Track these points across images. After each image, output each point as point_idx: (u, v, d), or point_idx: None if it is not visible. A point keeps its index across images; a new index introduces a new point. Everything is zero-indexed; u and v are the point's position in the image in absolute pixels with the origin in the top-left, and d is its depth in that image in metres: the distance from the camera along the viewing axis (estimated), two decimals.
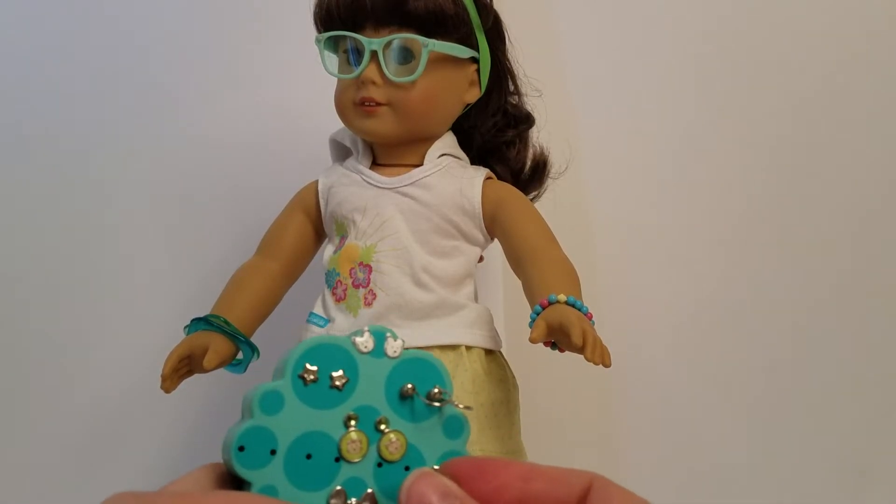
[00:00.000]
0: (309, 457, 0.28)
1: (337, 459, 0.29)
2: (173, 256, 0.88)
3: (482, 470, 0.28)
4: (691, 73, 0.92)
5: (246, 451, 0.28)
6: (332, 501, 0.29)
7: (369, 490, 0.29)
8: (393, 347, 0.30)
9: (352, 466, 0.29)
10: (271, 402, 0.28)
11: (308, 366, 0.29)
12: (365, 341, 0.30)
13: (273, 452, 0.28)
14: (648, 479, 0.88)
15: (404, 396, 0.30)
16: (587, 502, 0.26)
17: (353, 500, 0.29)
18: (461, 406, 0.31)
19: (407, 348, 0.31)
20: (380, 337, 0.30)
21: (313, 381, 0.29)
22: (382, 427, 0.30)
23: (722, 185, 0.91)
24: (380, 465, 0.29)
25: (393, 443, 0.30)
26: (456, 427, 0.32)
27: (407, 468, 0.30)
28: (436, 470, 0.29)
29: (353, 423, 0.29)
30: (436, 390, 0.30)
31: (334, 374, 0.29)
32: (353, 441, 0.29)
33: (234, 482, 0.28)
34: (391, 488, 0.29)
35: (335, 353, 0.29)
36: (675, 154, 0.92)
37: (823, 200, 0.91)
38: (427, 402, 0.30)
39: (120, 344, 0.87)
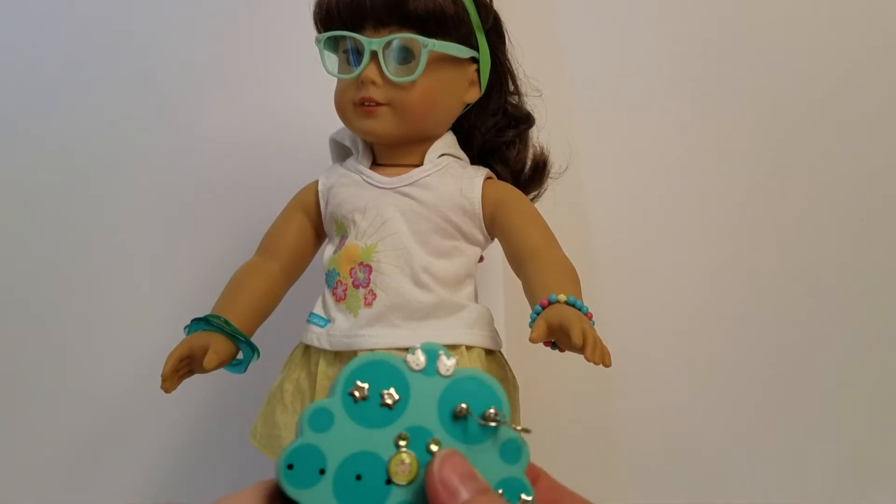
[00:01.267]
0: (359, 478, 0.28)
1: (388, 482, 0.28)
2: (173, 256, 0.88)
3: None
4: (692, 73, 0.92)
5: (295, 469, 0.27)
6: None
7: None
8: (446, 366, 0.29)
9: (401, 490, 0.28)
10: (321, 419, 0.28)
11: (359, 383, 0.28)
12: (417, 359, 0.29)
13: (322, 472, 0.27)
14: (649, 480, 0.88)
15: (458, 417, 0.29)
16: None
17: None
18: (519, 428, 0.30)
19: (460, 367, 0.30)
20: (432, 355, 0.29)
21: (363, 398, 0.28)
22: (434, 448, 0.29)
23: (722, 185, 0.91)
24: None
25: None
26: (514, 451, 0.30)
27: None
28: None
29: (403, 443, 0.28)
30: (492, 411, 0.29)
31: (385, 391, 0.28)
32: (404, 463, 0.28)
33: (284, 501, 0.28)
34: None
35: (387, 370, 0.28)
36: (676, 154, 0.92)
37: (824, 201, 0.91)
38: (482, 422, 0.29)
39: (120, 344, 0.87)
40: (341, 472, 0.27)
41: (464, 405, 0.29)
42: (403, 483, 0.28)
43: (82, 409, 0.86)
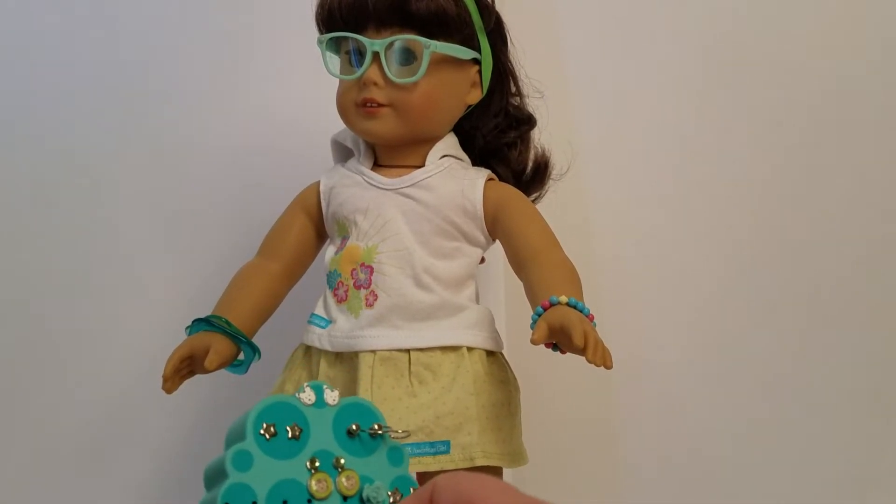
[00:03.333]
0: (285, 502, 0.33)
1: (309, 501, 0.33)
2: (175, 257, 0.88)
3: None
4: (693, 74, 0.92)
5: None
6: None
7: None
8: (332, 397, 0.35)
9: None
10: (242, 460, 0.32)
11: (265, 424, 0.33)
12: (308, 395, 0.35)
13: (255, 503, 0.32)
14: (649, 481, 0.88)
15: (351, 435, 0.35)
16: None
17: None
18: (400, 432, 0.36)
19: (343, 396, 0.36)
20: (318, 390, 0.35)
21: (273, 435, 0.33)
22: (339, 465, 0.34)
23: (723, 186, 0.91)
24: (345, 499, 0.34)
25: (349, 479, 0.34)
26: (398, 455, 0.37)
27: (363, 501, 0.34)
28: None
29: (316, 464, 0.34)
30: (376, 426, 0.35)
31: (289, 426, 0.34)
32: (320, 481, 0.33)
33: None
34: None
35: (286, 408, 0.34)
36: (677, 155, 0.92)
37: (826, 201, 0.90)
38: (371, 435, 0.35)
39: (121, 344, 0.87)
40: (270, 500, 0.32)
41: (355, 425, 0.35)
42: (323, 498, 0.33)
43: (82, 409, 0.86)
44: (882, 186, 0.91)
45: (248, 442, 0.33)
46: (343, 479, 0.34)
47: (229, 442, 0.34)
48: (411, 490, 0.36)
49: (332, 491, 0.33)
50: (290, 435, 0.34)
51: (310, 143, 0.79)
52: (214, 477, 0.34)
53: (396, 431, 0.36)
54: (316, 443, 0.34)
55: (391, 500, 0.35)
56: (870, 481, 0.88)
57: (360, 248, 0.64)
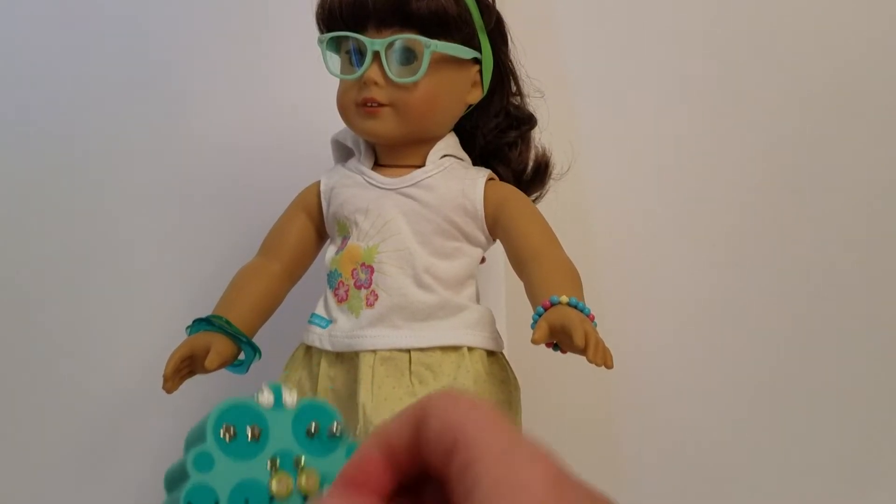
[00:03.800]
0: (247, 502, 0.33)
1: (271, 500, 0.34)
2: (175, 257, 0.88)
3: (355, 484, 0.28)
4: (693, 74, 0.92)
5: None
6: None
7: None
8: (290, 398, 0.36)
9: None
10: (203, 461, 0.33)
11: (225, 425, 0.34)
12: (266, 397, 0.35)
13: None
14: (650, 480, 0.88)
15: (310, 435, 0.35)
16: (421, 428, 0.25)
17: None
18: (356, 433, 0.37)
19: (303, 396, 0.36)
20: (277, 391, 0.35)
21: (233, 436, 0.34)
22: (300, 464, 0.35)
23: (724, 185, 0.91)
24: (305, 498, 0.34)
25: (308, 478, 0.35)
26: None
27: None
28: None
29: (277, 463, 0.34)
30: (335, 424, 0.36)
31: (248, 427, 0.34)
32: (281, 481, 0.34)
33: None
34: None
35: (245, 410, 0.34)
36: (677, 155, 0.92)
37: (826, 200, 0.90)
38: (330, 435, 0.36)
39: (122, 344, 0.87)
40: (232, 501, 0.33)
41: (314, 424, 0.35)
42: (284, 496, 0.34)
43: (82, 409, 0.86)
44: (883, 186, 0.91)
45: (209, 444, 0.34)
46: (303, 479, 0.35)
47: (189, 445, 0.35)
48: None
49: (293, 490, 0.34)
50: (250, 436, 0.34)
51: (310, 143, 0.79)
52: (175, 479, 0.35)
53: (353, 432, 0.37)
54: (276, 443, 0.35)
55: None
56: (870, 481, 0.88)
57: (361, 247, 0.64)
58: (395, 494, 0.27)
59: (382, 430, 0.27)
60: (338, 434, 0.36)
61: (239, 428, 0.34)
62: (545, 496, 0.21)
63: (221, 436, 0.34)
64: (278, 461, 0.34)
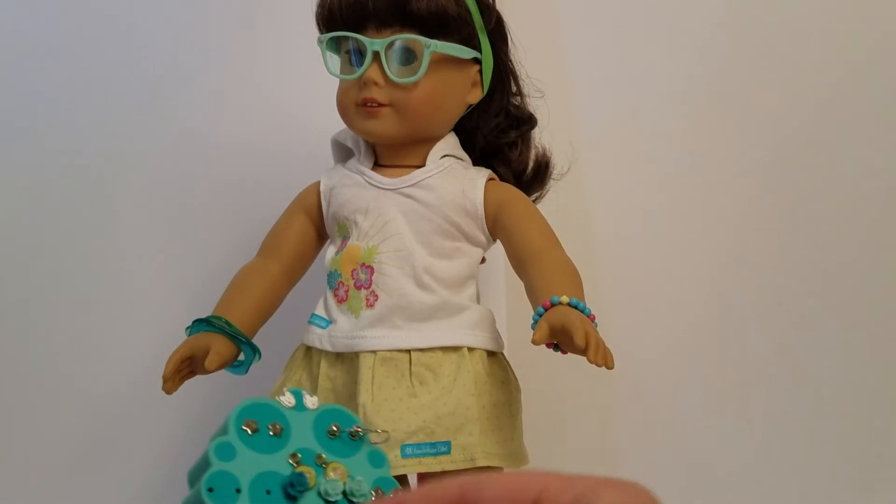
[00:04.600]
0: (268, 492, 0.34)
1: (288, 492, 0.35)
2: (175, 257, 0.88)
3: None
4: (693, 73, 0.91)
5: (215, 491, 0.34)
6: None
7: None
8: (311, 401, 0.37)
9: (305, 496, 0.35)
10: (225, 451, 0.34)
11: (247, 420, 0.35)
12: (288, 399, 0.36)
13: (238, 491, 0.34)
14: (651, 481, 0.87)
15: (332, 436, 0.36)
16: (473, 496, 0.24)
17: None
18: (379, 431, 0.38)
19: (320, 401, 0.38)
20: (298, 395, 0.37)
21: (255, 431, 0.35)
22: (322, 461, 0.36)
23: (725, 185, 0.91)
24: (326, 493, 0.35)
25: (336, 469, 0.36)
26: (378, 458, 0.39)
27: (345, 494, 0.36)
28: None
29: (298, 458, 0.35)
30: (357, 428, 0.37)
31: (270, 424, 0.35)
32: (309, 474, 0.35)
33: None
34: None
35: (267, 409, 0.36)
36: (678, 155, 0.91)
37: (827, 201, 0.90)
38: (351, 436, 0.37)
39: (121, 345, 0.87)
40: (254, 489, 0.34)
41: (335, 427, 0.36)
42: (311, 487, 0.35)
43: (83, 409, 0.86)
44: (884, 185, 0.91)
45: (231, 435, 0.35)
46: (331, 471, 0.35)
47: (213, 438, 0.36)
48: (392, 491, 0.38)
49: (317, 482, 0.35)
50: (271, 432, 0.35)
51: (310, 143, 0.79)
52: (198, 472, 0.35)
53: (377, 432, 0.38)
54: (297, 440, 0.36)
55: (373, 496, 0.36)
56: (870, 481, 0.88)
57: (361, 248, 0.64)
58: None
59: (427, 488, 0.27)
60: (360, 437, 0.37)
61: (260, 423, 0.35)
62: None
63: (243, 429, 0.35)
64: (300, 457, 0.35)
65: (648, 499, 0.24)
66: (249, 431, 0.35)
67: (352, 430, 0.37)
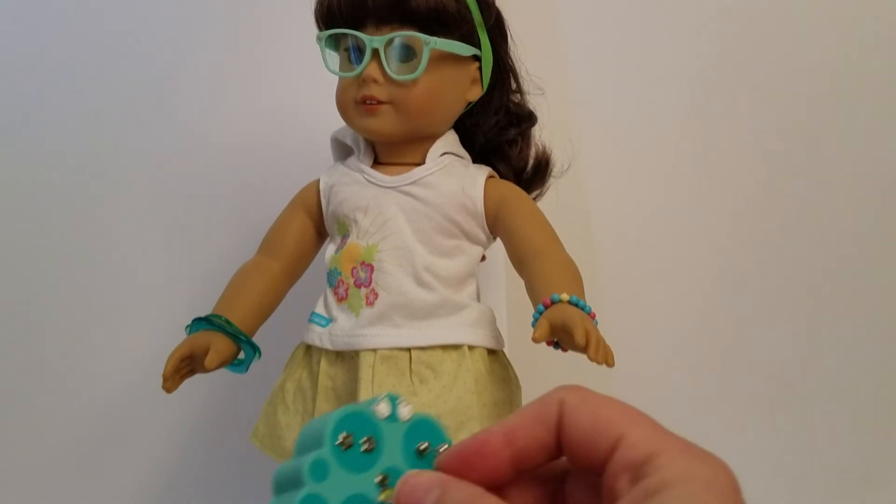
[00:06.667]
0: None
1: None
2: (174, 256, 0.88)
3: (467, 463, 0.28)
4: (694, 71, 0.91)
5: None
6: None
7: None
8: (406, 411, 0.33)
9: None
10: (319, 469, 0.31)
11: (344, 433, 0.32)
12: (383, 408, 0.33)
13: None
14: None
15: (420, 454, 0.33)
16: (563, 425, 0.25)
17: None
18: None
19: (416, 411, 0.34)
20: (394, 402, 0.33)
21: (349, 446, 0.32)
22: None
23: (725, 183, 0.91)
24: None
25: None
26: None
27: None
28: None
29: (386, 482, 0.32)
30: (446, 447, 0.33)
31: (364, 439, 0.32)
32: (391, 498, 0.32)
33: None
34: None
35: (363, 419, 0.32)
36: (678, 153, 0.91)
37: (828, 201, 0.90)
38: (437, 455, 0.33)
39: (121, 344, 0.87)
40: None
41: (425, 444, 0.33)
42: None
43: (82, 409, 0.86)
44: (884, 184, 0.90)
45: (326, 451, 0.32)
46: None
47: (303, 446, 0.33)
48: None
49: None
50: (364, 448, 0.32)
51: (309, 141, 0.79)
52: (286, 483, 0.33)
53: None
54: (387, 459, 0.33)
55: None
56: (870, 481, 0.88)
57: (361, 246, 0.63)
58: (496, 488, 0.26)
59: (506, 422, 0.26)
60: (436, 455, 0.34)
61: (356, 437, 0.32)
62: (730, 489, 0.25)
63: (338, 444, 0.32)
64: (388, 479, 0.32)
65: (727, 479, 0.24)
66: (344, 447, 0.32)
67: (438, 450, 0.33)
